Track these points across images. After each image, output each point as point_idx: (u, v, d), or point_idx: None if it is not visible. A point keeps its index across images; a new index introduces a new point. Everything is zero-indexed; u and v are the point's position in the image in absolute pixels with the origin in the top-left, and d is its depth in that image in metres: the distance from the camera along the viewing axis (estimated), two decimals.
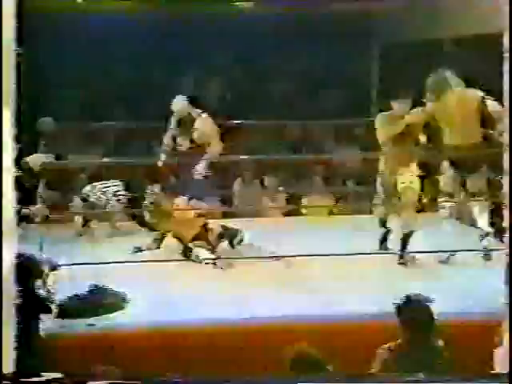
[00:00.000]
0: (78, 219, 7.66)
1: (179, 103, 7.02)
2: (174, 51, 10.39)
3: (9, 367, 3.89)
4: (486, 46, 9.13)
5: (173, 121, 7.08)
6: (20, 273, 4.48)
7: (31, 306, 4.62)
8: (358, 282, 5.99)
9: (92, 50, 9.93)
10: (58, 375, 3.92)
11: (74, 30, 9.56)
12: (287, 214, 8.94)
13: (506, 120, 4.18)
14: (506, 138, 4.23)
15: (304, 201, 9.05)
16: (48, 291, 4.90)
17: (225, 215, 8.46)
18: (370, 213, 8.73)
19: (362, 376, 4.12)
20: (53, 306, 4.89)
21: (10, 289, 3.98)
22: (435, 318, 4.28)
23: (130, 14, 9.82)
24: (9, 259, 4.00)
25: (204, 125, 6.94)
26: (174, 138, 7.08)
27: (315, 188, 9.18)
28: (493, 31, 8.86)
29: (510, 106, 4.13)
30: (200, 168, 6.85)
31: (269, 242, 6.87)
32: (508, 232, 4.12)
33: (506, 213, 4.17)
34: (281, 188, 9.10)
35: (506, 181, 4.17)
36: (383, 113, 6.57)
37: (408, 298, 4.32)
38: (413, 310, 4.26)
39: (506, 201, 4.15)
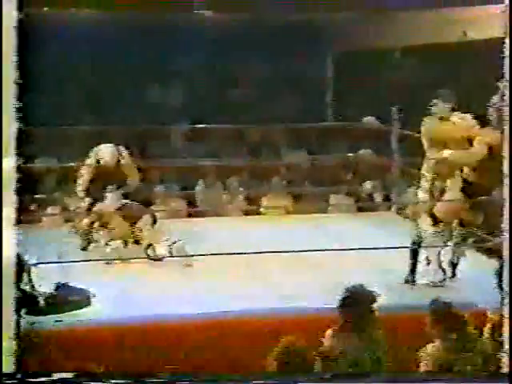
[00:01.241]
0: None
1: (109, 151, 7.10)
2: (138, 58, 10.40)
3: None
4: (433, 54, 9.30)
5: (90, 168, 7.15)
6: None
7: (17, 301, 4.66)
8: (317, 277, 6.06)
9: (61, 58, 9.94)
10: (68, 375, 3.91)
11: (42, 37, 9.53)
12: (247, 213, 9.01)
13: (506, 120, 4.19)
14: (506, 137, 4.22)
15: (263, 201, 9.12)
16: (32, 286, 4.91)
17: (190, 215, 8.55)
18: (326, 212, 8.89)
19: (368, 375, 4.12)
20: (39, 298, 4.90)
21: (10, 288, 3.96)
22: (375, 309, 4.35)
23: (97, 23, 9.81)
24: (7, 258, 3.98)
25: (130, 162, 7.23)
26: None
27: (273, 188, 9.25)
28: (440, 41, 9.09)
29: (510, 105, 4.14)
30: (113, 200, 6.98)
31: (230, 240, 6.91)
32: (508, 231, 4.13)
33: (505, 212, 4.18)
34: (241, 189, 9.16)
35: (506, 181, 4.17)
36: (429, 117, 6.01)
37: (349, 289, 4.38)
38: (353, 301, 4.32)
39: (506, 200, 4.15)
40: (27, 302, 4.86)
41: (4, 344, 3.83)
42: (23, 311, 4.81)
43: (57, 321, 5.29)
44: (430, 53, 9.29)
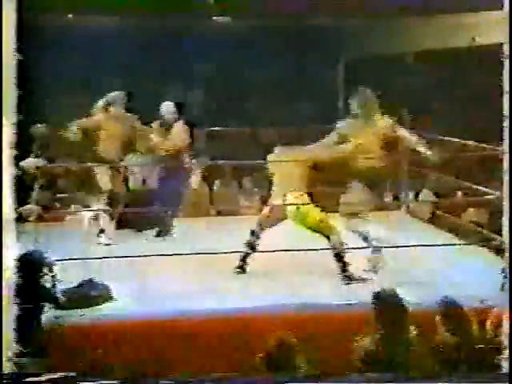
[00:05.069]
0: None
1: None
2: (158, 63, 10.37)
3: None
4: (444, 59, 9.20)
5: None
6: (28, 268, 4.47)
7: (38, 297, 4.64)
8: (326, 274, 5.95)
9: (84, 61, 9.92)
10: (68, 375, 3.83)
11: (66, 41, 9.52)
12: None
13: (507, 121, 4.07)
14: (506, 136, 4.11)
15: None
16: (54, 283, 4.87)
17: None
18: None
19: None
20: (60, 296, 4.82)
21: (11, 287, 3.90)
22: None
23: (118, 28, 9.79)
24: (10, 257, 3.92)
25: None
26: None
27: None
28: (451, 45, 9.00)
29: (511, 107, 4.03)
30: None
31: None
32: (508, 230, 4.03)
33: (505, 212, 4.09)
34: (255, 189, 9.09)
35: (506, 180, 4.07)
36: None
37: (382, 291, 4.26)
38: (388, 303, 4.18)
39: (506, 200, 4.06)
40: (49, 298, 4.79)
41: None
42: (46, 307, 4.77)
43: (81, 315, 5.23)
44: (441, 58, 9.22)
